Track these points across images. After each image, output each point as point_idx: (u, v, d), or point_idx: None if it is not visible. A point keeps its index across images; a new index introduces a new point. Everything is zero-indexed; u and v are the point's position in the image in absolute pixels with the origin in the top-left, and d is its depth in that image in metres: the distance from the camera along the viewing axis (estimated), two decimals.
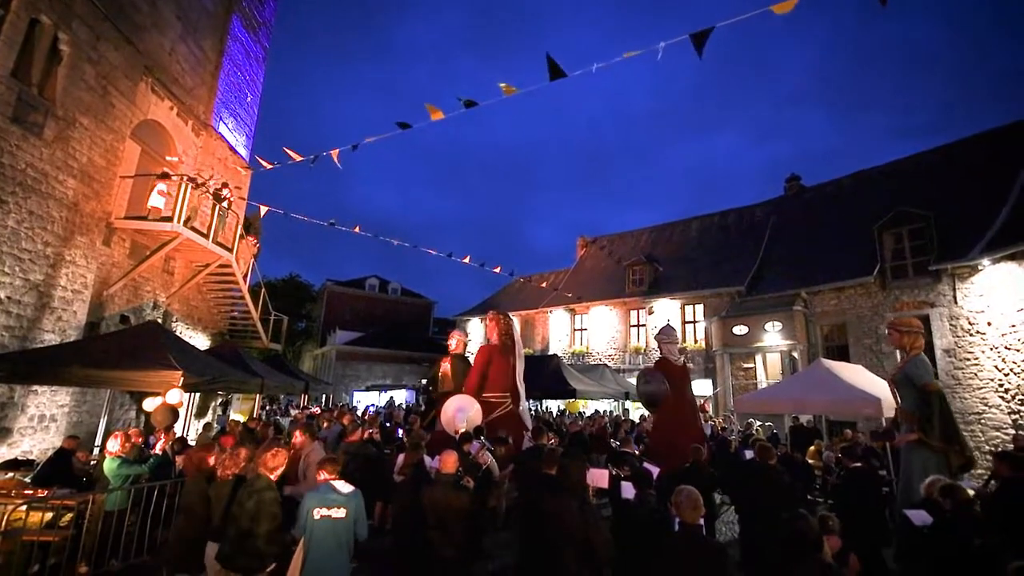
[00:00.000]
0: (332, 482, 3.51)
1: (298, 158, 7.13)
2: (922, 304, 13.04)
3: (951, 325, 12.46)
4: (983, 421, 11.74)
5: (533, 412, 15.62)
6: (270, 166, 7.82)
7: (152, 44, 9.86)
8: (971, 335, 12.13)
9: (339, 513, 3.36)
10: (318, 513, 3.34)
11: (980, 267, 12.04)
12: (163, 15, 10.14)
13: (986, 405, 11.73)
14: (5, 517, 4.38)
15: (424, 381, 10.12)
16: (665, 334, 8.49)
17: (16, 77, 6.94)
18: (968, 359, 12.11)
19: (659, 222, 25.14)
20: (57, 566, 4.45)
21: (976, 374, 11.97)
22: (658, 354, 8.70)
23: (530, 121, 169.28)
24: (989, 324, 11.83)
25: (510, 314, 9.73)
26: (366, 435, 6.86)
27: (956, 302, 12.41)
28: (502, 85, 4.95)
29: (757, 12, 3.66)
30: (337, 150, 6.64)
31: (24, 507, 4.49)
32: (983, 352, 11.90)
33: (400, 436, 7.98)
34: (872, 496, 4.99)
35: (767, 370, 16.02)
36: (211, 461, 4.21)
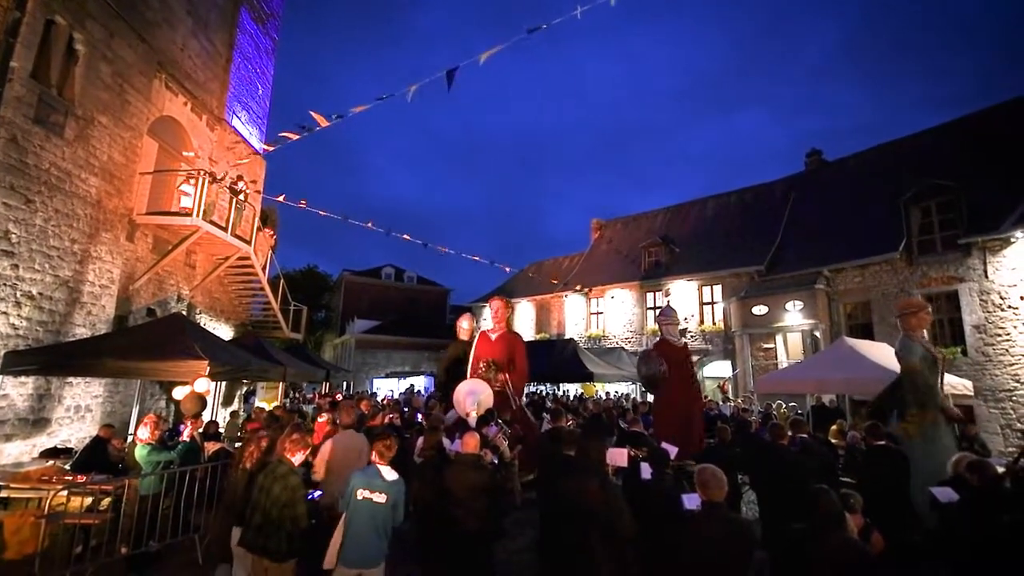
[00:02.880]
0: (379, 466, 3.57)
1: (294, 136, 7.27)
2: (951, 279, 12.63)
3: (981, 300, 12.06)
4: (1014, 398, 11.41)
5: (551, 395, 15.70)
6: (270, 148, 7.94)
7: (164, 40, 9.95)
8: (1002, 310, 11.73)
9: (380, 498, 3.44)
10: (360, 494, 3.43)
11: (1012, 239, 11.58)
12: (173, 10, 10.21)
13: (1018, 382, 11.38)
14: (48, 502, 4.61)
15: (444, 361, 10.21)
16: (665, 315, 8.39)
17: (36, 79, 7.08)
18: (999, 335, 11.74)
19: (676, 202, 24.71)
20: (98, 547, 4.68)
21: (1008, 350, 11.60)
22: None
23: (549, 104, 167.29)
24: (1022, 298, 11.42)
25: (508, 300, 9.90)
26: (386, 420, 6.99)
27: (987, 276, 11.99)
28: (481, 55, 4.90)
29: None
30: (325, 120, 6.75)
31: (64, 492, 4.71)
32: (1015, 327, 11.50)
33: (420, 421, 8.11)
34: (897, 474, 4.91)
35: (788, 350, 15.77)
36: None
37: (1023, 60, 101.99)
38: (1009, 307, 11.62)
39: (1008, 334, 11.59)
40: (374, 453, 3.65)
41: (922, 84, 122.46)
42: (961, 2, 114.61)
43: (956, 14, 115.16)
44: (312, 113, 6.78)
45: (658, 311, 8.58)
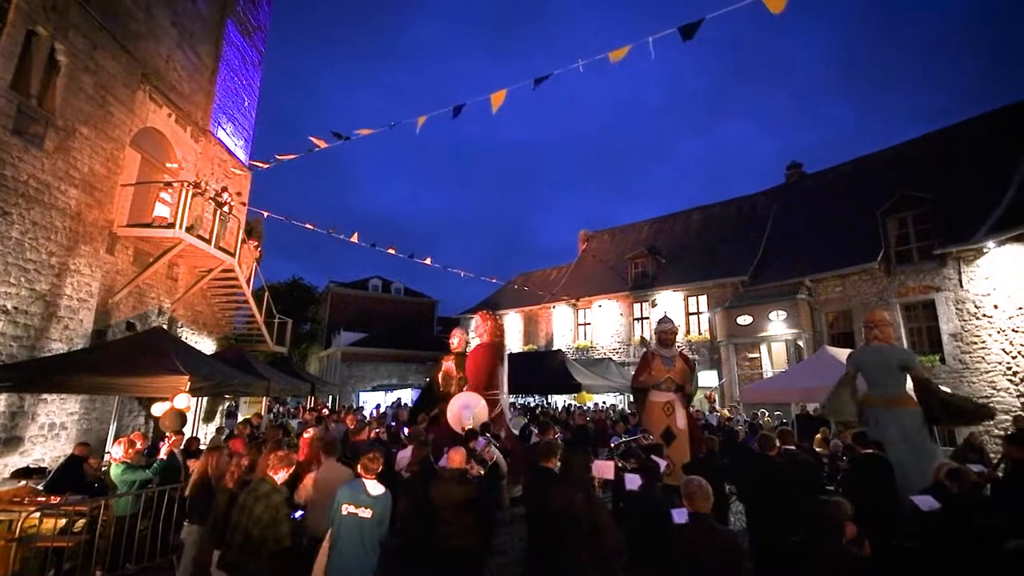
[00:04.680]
0: (365, 481, 3.53)
1: (290, 156, 7.23)
2: (927, 288, 12.96)
3: (957, 309, 12.38)
4: (992, 405, 11.64)
5: (539, 407, 15.65)
6: (265, 166, 7.89)
7: (148, 52, 9.88)
8: (977, 319, 12.04)
9: (366, 513, 3.40)
10: (346, 509, 3.38)
11: (985, 250, 11.94)
12: (158, 22, 10.16)
13: (994, 389, 11.66)
14: (19, 524, 4.44)
15: (428, 379, 10.03)
16: (668, 321, 8.32)
17: (15, 89, 6.97)
18: (975, 343, 12.03)
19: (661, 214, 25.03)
20: (72, 571, 4.51)
21: (984, 358, 11.89)
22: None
23: (539, 117, 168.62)
24: (996, 307, 11.74)
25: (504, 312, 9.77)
26: (373, 434, 6.90)
27: (962, 286, 12.32)
28: (491, 96, 5.10)
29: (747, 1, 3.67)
30: (325, 142, 6.71)
31: (37, 514, 4.54)
32: (990, 335, 11.81)
33: (407, 434, 8.01)
34: (885, 482, 4.97)
35: (772, 359, 15.97)
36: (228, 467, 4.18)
37: (1008, 71, 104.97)
38: (984, 315, 11.94)
39: (983, 342, 11.90)
40: (359, 467, 3.60)
41: (913, 95, 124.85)
42: (951, 14, 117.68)
43: (947, 25, 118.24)
44: (312, 138, 6.77)
45: (657, 321, 8.43)
